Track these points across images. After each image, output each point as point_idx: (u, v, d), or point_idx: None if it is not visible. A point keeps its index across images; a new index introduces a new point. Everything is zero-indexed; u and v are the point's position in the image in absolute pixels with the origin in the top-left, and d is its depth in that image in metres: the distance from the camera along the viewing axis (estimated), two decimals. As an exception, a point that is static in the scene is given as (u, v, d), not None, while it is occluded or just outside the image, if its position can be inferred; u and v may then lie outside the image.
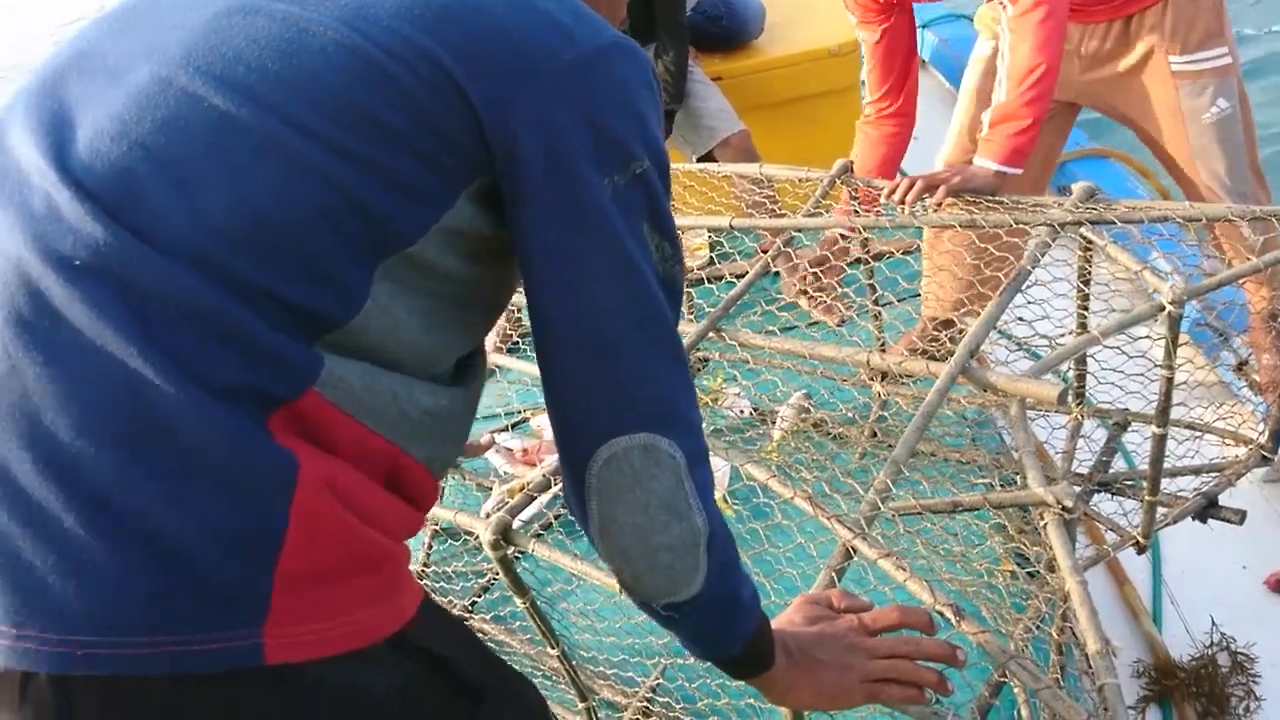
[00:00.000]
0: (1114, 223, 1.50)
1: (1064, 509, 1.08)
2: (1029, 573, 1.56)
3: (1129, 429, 1.74)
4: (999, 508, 1.15)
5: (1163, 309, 1.31)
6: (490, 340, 2.49)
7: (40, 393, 0.67)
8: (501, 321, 2.54)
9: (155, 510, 0.66)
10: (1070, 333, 1.69)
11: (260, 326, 0.69)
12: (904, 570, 1.04)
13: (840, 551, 1.09)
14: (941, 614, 1.01)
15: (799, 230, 1.68)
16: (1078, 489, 1.48)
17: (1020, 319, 1.67)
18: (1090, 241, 1.52)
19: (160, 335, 0.68)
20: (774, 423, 2.05)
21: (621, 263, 0.78)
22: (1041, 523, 1.10)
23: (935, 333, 2.23)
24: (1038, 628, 1.42)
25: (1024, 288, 1.45)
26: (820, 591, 1.04)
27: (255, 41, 0.74)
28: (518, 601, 1.28)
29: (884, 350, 2.08)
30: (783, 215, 1.81)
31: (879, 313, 2.04)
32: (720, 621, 0.90)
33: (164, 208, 0.70)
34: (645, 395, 0.79)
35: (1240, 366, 2.32)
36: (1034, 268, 1.46)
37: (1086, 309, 1.62)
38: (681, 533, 0.81)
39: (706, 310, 2.06)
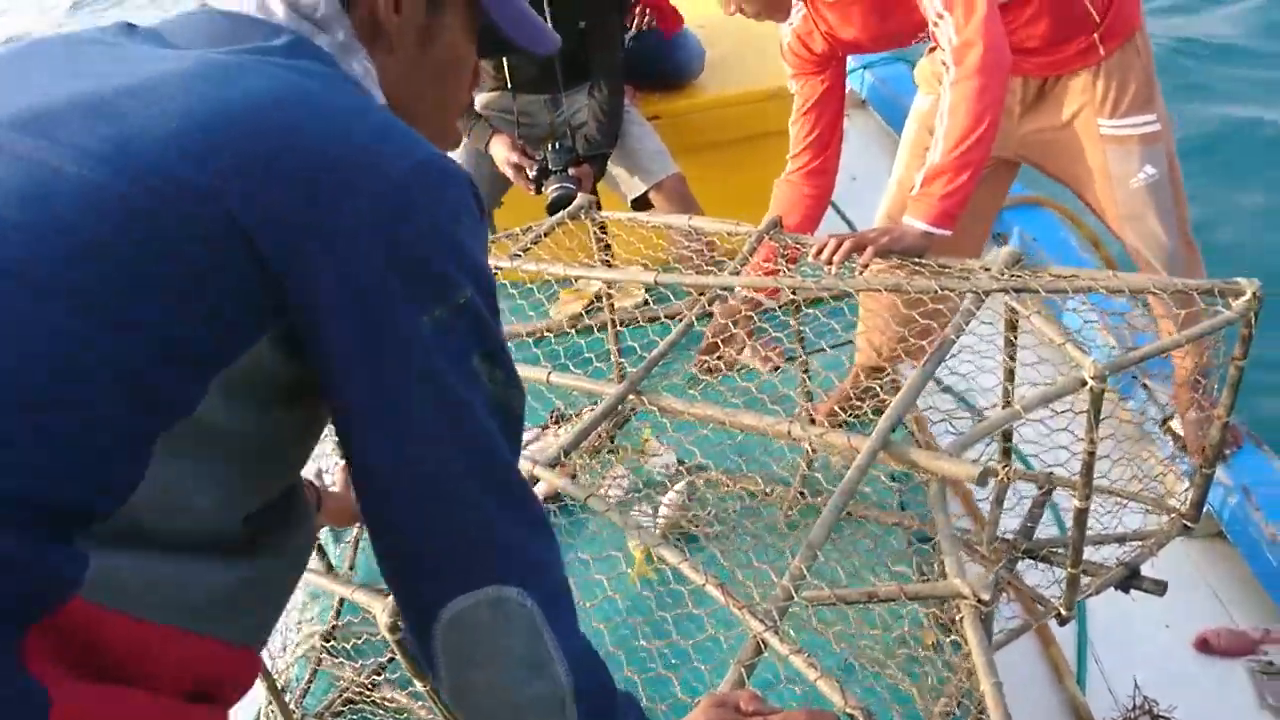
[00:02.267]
0: (1038, 291, 1.49)
1: (980, 602, 1.05)
2: (953, 641, 1.53)
3: (1055, 491, 1.73)
4: (915, 599, 1.11)
5: (1085, 384, 1.30)
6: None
7: None
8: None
9: None
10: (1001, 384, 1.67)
11: (5, 537, 0.59)
12: (815, 669, 1.00)
13: (751, 646, 1.05)
14: (852, 717, 0.97)
15: (724, 289, 1.64)
16: (1000, 565, 1.45)
17: (955, 372, 1.65)
18: (1015, 310, 1.51)
19: None
20: (687, 482, 1.99)
21: (447, 404, 0.71)
22: (958, 615, 1.06)
23: (869, 382, 2.20)
24: (959, 704, 1.39)
25: (953, 350, 1.43)
26: (728, 692, 1.00)
27: None
28: (418, 684, 1.22)
29: (811, 399, 2.06)
30: (710, 271, 1.77)
31: (807, 363, 2.01)
32: None
33: None
34: (484, 546, 0.73)
35: (1165, 422, 2.34)
36: (958, 336, 1.43)
37: (1012, 382, 1.61)
38: (543, 689, 0.75)
39: (639, 351, 2.01)
